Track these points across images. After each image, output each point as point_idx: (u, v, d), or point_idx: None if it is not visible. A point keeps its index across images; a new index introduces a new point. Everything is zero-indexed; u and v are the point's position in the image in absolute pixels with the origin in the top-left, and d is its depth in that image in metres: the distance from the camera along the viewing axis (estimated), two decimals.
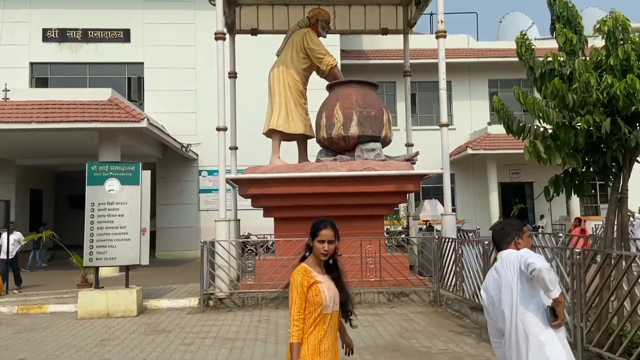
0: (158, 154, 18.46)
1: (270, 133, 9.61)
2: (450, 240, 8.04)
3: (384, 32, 11.12)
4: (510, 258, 2.67)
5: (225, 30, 8.92)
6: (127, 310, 7.92)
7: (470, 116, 22.87)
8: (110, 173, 8.05)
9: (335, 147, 9.36)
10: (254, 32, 11.18)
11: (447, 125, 8.96)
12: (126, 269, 8.33)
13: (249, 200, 9.55)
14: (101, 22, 19.99)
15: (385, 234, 9.98)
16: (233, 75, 11.14)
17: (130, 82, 20.36)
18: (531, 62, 4.63)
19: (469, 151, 19.83)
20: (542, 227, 21.75)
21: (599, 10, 27.29)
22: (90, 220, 8.03)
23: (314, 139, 9.88)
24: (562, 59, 4.58)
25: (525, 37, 4.79)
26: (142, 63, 20.01)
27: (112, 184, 8.01)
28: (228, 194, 11.42)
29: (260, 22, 11.08)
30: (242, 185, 8.94)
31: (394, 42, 23.19)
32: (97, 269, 8.31)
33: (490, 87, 23.26)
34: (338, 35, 19.57)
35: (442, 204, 9.56)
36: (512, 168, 22.72)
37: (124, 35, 20.24)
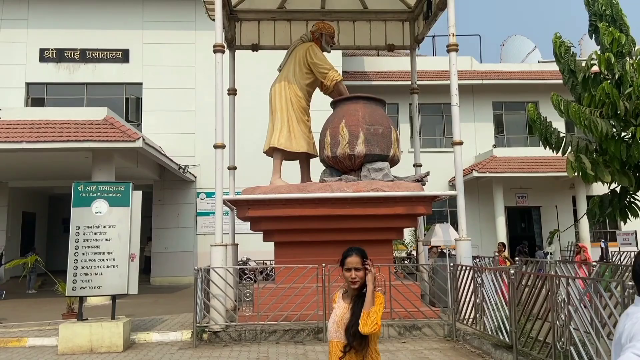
0: (155, 176, 17.93)
1: (271, 151, 9.03)
2: (468, 268, 7.36)
3: (390, 48, 10.66)
4: (636, 321, 1.62)
5: (224, 44, 8.43)
6: (112, 345, 7.19)
7: (475, 138, 22.45)
8: (98, 194, 7.42)
9: (341, 166, 8.77)
10: (255, 47, 10.72)
11: (460, 143, 8.38)
12: (113, 299, 7.62)
13: (247, 223, 8.92)
14: (100, 42, 19.72)
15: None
16: (232, 92, 10.63)
17: (128, 103, 19.97)
18: (572, 65, 4.04)
19: (475, 174, 19.29)
20: (551, 254, 21.05)
21: None
22: (75, 245, 7.36)
23: (318, 158, 9.30)
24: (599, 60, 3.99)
25: (560, 37, 4.22)
26: (141, 83, 19.68)
27: (100, 206, 7.37)
28: (225, 217, 10.78)
29: (261, 38, 10.62)
30: (240, 207, 8.31)
31: (396, 63, 22.91)
32: (81, 298, 7.60)
33: (495, 109, 22.88)
34: (340, 56, 19.26)
35: (456, 228, 8.92)
36: (518, 192, 22.16)
37: (123, 56, 19.96)
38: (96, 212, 7.38)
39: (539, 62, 24.93)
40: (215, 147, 8.08)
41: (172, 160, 16.46)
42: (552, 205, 22.13)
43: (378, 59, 23.38)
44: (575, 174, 3.92)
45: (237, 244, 10.34)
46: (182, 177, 18.15)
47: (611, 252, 13.87)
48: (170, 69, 19.48)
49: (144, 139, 12.88)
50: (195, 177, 19.01)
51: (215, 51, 8.23)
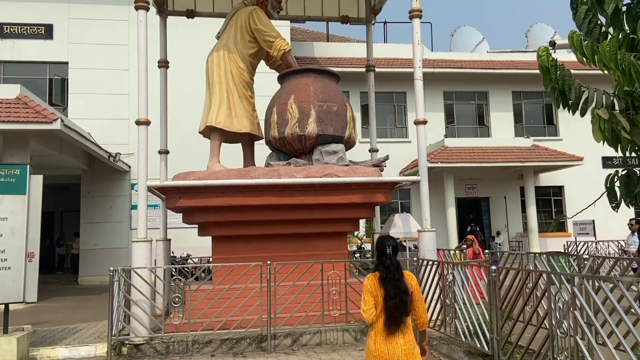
0: (83, 165, 16.15)
1: (208, 131, 7.77)
2: (434, 263, 6.45)
3: (344, 20, 9.61)
4: None
5: (149, 0, 7.08)
6: None
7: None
8: None
9: (289, 149, 7.65)
10: (191, 14, 9.36)
11: (424, 122, 7.46)
12: (5, 308, 6.16)
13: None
14: (19, 16, 17.64)
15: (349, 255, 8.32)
16: (164, 64, 9.25)
17: (52, 84, 17.96)
18: None
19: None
20: (499, 245, 20.93)
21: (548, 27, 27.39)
22: None
23: (263, 140, 8.14)
24: None
25: None
26: (67, 63, 17.80)
27: None
28: (154, 209, 9.43)
29: (197, 3, 9.28)
30: (170, 196, 7.03)
31: (347, 49, 22.03)
32: None
33: (446, 99, 22.47)
34: (288, 37, 18.09)
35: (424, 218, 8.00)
36: (468, 183, 21.93)
37: (46, 32, 17.95)
38: None
39: (488, 51, 24.80)
40: (138, 123, 6.76)
41: (100, 147, 14.78)
42: (501, 196, 22.05)
43: (328, 45, 22.45)
44: (603, 137, 2.97)
45: (170, 240, 9.01)
46: (114, 166, 16.45)
47: (567, 242, 13.50)
48: (100, 48, 17.65)
49: (62, 121, 11.25)
50: (130, 167, 17.33)
51: (137, 7, 6.88)
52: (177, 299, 6.31)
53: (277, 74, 8.11)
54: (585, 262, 4.96)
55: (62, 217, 22.96)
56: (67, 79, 17.76)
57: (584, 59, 3.00)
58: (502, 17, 77.81)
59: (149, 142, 6.74)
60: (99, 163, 16.43)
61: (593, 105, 3.05)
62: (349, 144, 7.81)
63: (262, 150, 8.54)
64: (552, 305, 3.73)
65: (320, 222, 7.27)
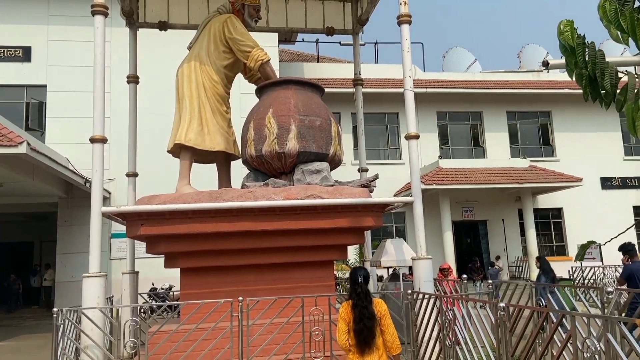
0: (60, 192, 15.31)
1: (178, 150, 6.99)
2: (431, 297, 5.60)
3: (330, 31, 8.97)
4: None
5: (107, 5, 6.39)
6: None
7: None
8: None
9: (268, 168, 6.88)
10: (163, 26, 8.69)
11: (416, 136, 6.73)
12: None
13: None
14: None
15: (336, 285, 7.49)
16: (133, 79, 8.55)
17: (29, 108, 17.25)
18: None
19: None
20: (499, 269, 20.08)
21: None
22: None
23: (240, 159, 7.37)
24: None
25: None
26: (45, 86, 17.12)
27: None
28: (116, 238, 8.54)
29: (171, 14, 8.63)
30: (131, 223, 6.20)
31: (337, 70, 21.57)
32: None
33: (439, 119, 21.92)
34: (277, 58, 17.57)
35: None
36: (464, 205, 21.20)
37: (24, 54, 17.36)
38: None
39: (481, 72, 24.42)
40: (93, 140, 6.00)
41: (76, 173, 13.96)
42: (499, 219, 21.31)
43: (318, 65, 21.99)
44: None
45: (137, 272, 8.15)
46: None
47: (573, 268, 12.69)
48: (79, 70, 17.02)
49: (29, 144, 10.47)
50: (110, 194, 16.47)
51: (94, 12, 6.20)
52: (133, 344, 5.42)
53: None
54: (610, 296, 4.14)
55: (42, 248, 21.99)
56: (45, 103, 17.08)
57: (619, 34, 2.28)
58: (493, 39, 78.60)
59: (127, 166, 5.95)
60: (77, 190, 15.61)
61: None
62: (334, 162, 7.05)
63: (240, 170, 7.78)
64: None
65: (303, 249, 6.45)
